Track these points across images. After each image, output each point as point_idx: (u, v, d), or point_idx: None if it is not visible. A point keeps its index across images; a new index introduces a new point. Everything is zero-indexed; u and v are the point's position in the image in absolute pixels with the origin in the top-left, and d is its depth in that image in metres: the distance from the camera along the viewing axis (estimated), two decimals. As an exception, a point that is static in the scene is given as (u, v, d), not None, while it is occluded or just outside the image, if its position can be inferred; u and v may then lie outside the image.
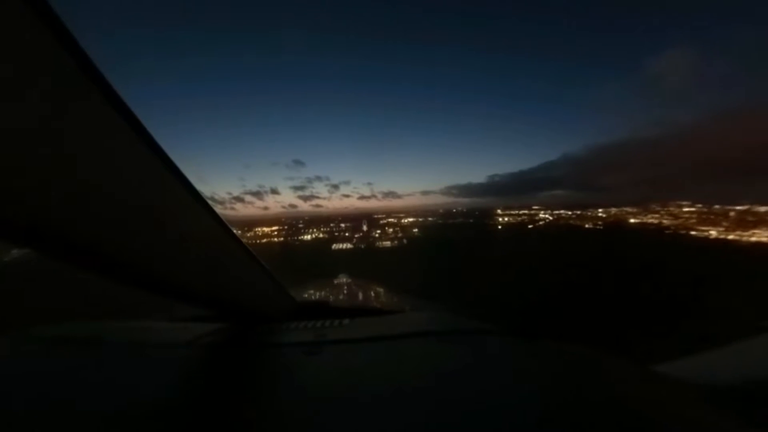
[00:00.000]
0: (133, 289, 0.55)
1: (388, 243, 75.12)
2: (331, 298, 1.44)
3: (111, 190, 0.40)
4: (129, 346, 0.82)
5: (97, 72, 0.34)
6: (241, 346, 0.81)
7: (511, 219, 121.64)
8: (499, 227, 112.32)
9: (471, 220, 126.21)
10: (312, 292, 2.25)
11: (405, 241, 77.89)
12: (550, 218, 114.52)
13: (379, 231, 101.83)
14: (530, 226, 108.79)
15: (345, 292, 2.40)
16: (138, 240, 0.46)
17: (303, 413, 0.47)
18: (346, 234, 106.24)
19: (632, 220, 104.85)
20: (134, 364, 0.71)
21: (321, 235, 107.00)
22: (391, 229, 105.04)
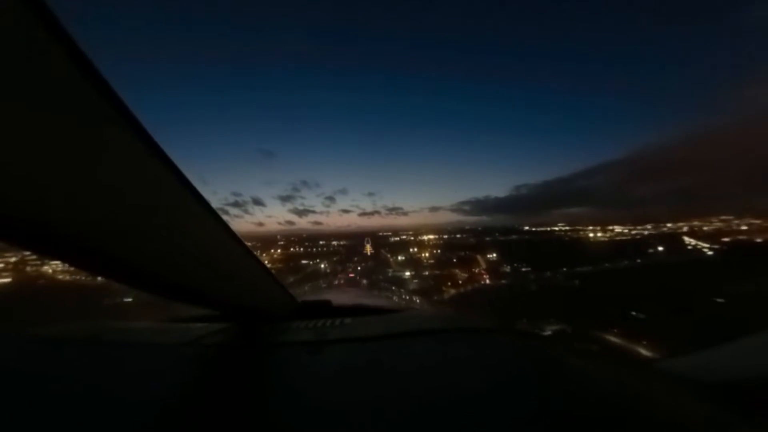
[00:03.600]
0: (135, 290, 0.55)
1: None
2: (333, 297, 1.34)
3: (112, 190, 0.39)
4: (130, 346, 0.81)
5: (97, 73, 0.34)
6: (243, 345, 0.81)
7: (604, 235, 72.77)
8: (689, 247, 59.52)
9: (526, 236, 76.21)
10: (313, 291, 2.39)
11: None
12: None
13: (401, 258, 44.99)
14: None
15: (346, 291, 2.48)
16: (139, 240, 0.47)
17: (305, 412, 0.47)
18: (323, 265, 47.57)
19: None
20: (136, 364, 0.71)
21: (278, 265, 50.92)
22: (425, 254, 48.24)
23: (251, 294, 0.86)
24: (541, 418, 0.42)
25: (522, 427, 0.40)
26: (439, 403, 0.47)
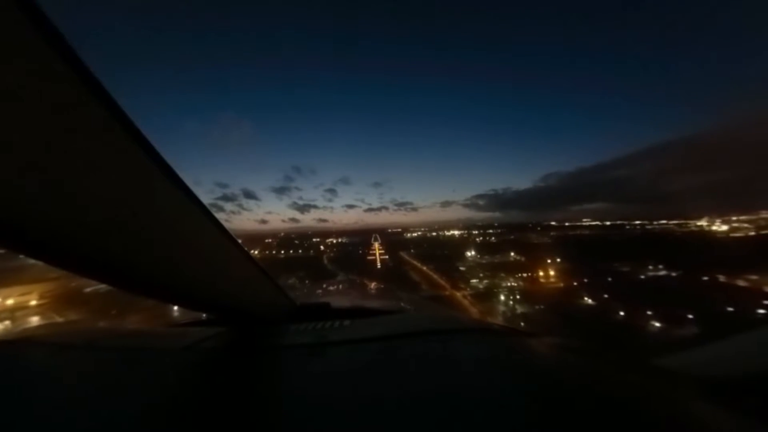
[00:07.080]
0: (134, 294, 0.55)
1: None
2: (332, 299, 1.41)
3: (108, 193, 0.39)
4: (129, 351, 0.81)
5: (91, 74, 0.34)
6: (242, 348, 0.81)
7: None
8: None
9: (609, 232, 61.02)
10: (312, 293, 2.48)
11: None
12: None
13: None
14: None
15: (346, 292, 2.57)
16: (137, 245, 0.46)
17: (305, 415, 0.47)
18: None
19: None
20: (135, 369, 0.71)
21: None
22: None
23: (250, 297, 0.87)
24: (541, 417, 0.42)
25: (522, 426, 0.41)
26: (440, 404, 0.47)
